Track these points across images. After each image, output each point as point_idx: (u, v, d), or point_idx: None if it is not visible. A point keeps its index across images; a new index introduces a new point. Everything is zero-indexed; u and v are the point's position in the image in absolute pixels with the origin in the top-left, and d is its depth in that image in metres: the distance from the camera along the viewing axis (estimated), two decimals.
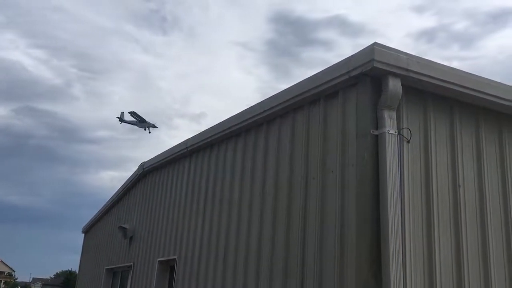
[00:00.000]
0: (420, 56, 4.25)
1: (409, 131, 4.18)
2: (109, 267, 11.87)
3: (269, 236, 5.10)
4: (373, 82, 4.11)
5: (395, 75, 4.01)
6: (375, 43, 4.02)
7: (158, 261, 8.14)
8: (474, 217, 4.36)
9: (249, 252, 5.44)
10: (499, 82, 4.57)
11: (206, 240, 6.51)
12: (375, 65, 3.91)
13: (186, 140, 7.62)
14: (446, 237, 4.16)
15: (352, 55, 4.22)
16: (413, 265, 3.93)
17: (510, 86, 4.61)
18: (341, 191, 4.21)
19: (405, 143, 4.15)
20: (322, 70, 4.61)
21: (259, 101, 5.68)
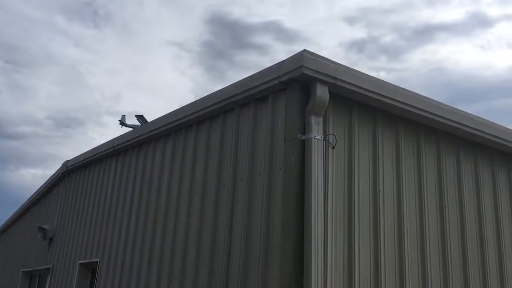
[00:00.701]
0: (348, 66, 4.42)
1: (334, 137, 4.32)
2: (26, 269, 11.27)
3: (196, 238, 5.07)
4: (302, 88, 4.21)
5: (323, 82, 4.13)
6: (305, 50, 4.12)
7: (79, 263, 7.84)
8: (392, 220, 4.57)
9: (174, 254, 5.38)
10: (418, 94, 4.84)
11: (131, 242, 6.36)
12: (304, 72, 4.01)
13: (113, 139, 7.42)
14: (365, 239, 4.33)
15: (283, 60, 4.30)
16: (334, 267, 4.05)
17: (428, 98, 4.89)
18: (268, 194, 4.27)
19: (330, 148, 4.28)
20: (254, 74, 4.67)
21: (190, 102, 5.65)
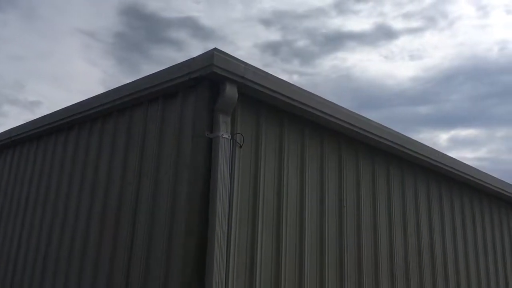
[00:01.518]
0: (260, 67, 4.50)
1: (242, 137, 4.38)
2: None
3: (96, 236, 4.89)
4: (211, 86, 4.22)
5: (232, 81, 4.17)
6: (215, 49, 4.14)
7: None
8: (294, 220, 4.72)
9: (72, 253, 5.14)
10: (324, 98, 5.03)
11: (25, 239, 5.99)
12: (214, 70, 4.02)
13: (10, 129, 6.93)
14: (268, 240, 4.44)
15: (193, 57, 4.28)
16: (236, 266, 4.10)
17: (332, 102, 5.10)
18: (173, 192, 4.23)
19: (237, 147, 4.33)
20: (164, 69, 4.60)
21: (97, 94, 5.44)
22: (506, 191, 7.51)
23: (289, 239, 4.62)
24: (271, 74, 4.57)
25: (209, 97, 4.23)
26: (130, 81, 4.93)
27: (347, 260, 5.11)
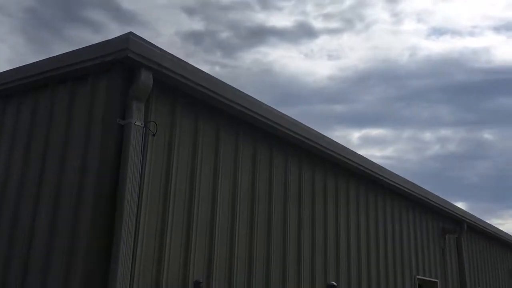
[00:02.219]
0: (177, 55, 4.40)
1: (155, 125, 4.26)
2: None
3: None
4: (125, 71, 4.07)
5: (148, 68, 4.05)
6: (131, 33, 3.99)
7: None
8: (206, 210, 4.70)
9: None
10: (240, 91, 5.04)
11: None
12: (128, 55, 3.87)
13: None
14: (178, 231, 4.38)
15: (107, 40, 4.10)
16: (144, 258, 4.01)
17: (249, 96, 5.13)
18: (81, 179, 4.04)
19: (150, 136, 4.22)
20: (75, 50, 4.35)
21: None
22: (403, 186, 8.02)
23: (200, 228, 4.59)
24: (188, 63, 4.49)
25: (123, 82, 4.07)
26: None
27: (257, 246, 5.19)
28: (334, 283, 3.55)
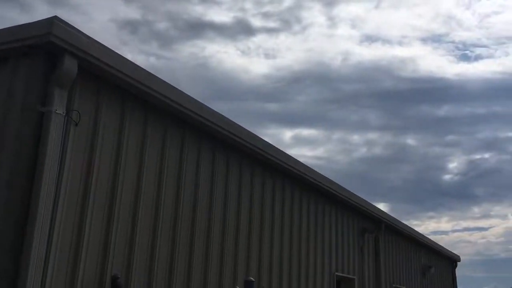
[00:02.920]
0: (105, 44, 4.29)
1: (78, 114, 4.13)
2: None
3: None
4: (48, 56, 3.92)
5: (72, 54, 3.92)
6: (55, 17, 3.84)
7: None
8: (128, 203, 4.62)
9: None
10: (169, 84, 5.00)
11: None
12: (51, 40, 3.73)
13: None
14: (98, 221, 4.28)
15: (30, 23, 3.92)
16: (59, 247, 3.89)
17: (177, 89, 5.10)
18: None
19: (72, 125, 4.09)
20: None
21: None
22: (327, 186, 8.31)
23: (122, 221, 4.51)
24: (115, 52, 4.39)
25: (45, 68, 3.92)
26: None
27: (179, 242, 5.18)
28: (251, 278, 3.62)
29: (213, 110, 5.61)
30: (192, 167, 5.54)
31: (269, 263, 6.77)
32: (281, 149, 6.94)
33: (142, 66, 4.68)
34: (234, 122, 5.94)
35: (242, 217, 6.31)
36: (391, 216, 11.38)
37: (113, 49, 4.36)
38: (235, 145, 6.17)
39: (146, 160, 4.88)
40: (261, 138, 6.48)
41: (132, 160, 4.73)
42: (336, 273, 8.73)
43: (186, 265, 5.28)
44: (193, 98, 5.30)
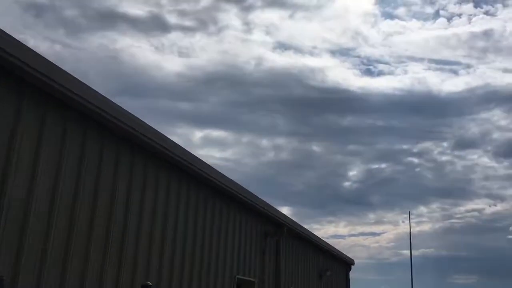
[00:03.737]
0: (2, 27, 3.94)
1: None
2: None
3: None
4: None
5: None
6: None
7: None
8: (20, 196, 4.27)
9: None
10: (70, 74, 4.70)
11: None
12: None
13: None
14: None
15: None
16: None
17: (79, 80, 4.81)
18: None
19: None
20: None
21: None
22: (230, 187, 8.33)
23: (11, 221, 4.16)
24: (11, 36, 4.04)
25: None
26: None
27: (75, 240, 4.89)
28: (149, 283, 3.49)
29: (117, 105, 5.37)
30: (94, 165, 5.25)
31: (170, 266, 6.62)
32: (189, 150, 6.83)
33: (46, 54, 4.37)
34: (138, 119, 5.73)
35: (144, 220, 6.11)
36: (293, 220, 11.68)
37: (11, 34, 4.01)
38: (139, 143, 5.95)
39: (42, 155, 4.54)
40: (167, 137, 6.32)
41: (27, 155, 4.38)
42: (237, 276, 8.76)
43: (80, 269, 4.98)
44: (97, 92, 5.04)
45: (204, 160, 7.27)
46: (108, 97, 5.21)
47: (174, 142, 6.45)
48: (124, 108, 5.48)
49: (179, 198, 6.96)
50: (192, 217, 7.28)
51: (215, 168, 7.63)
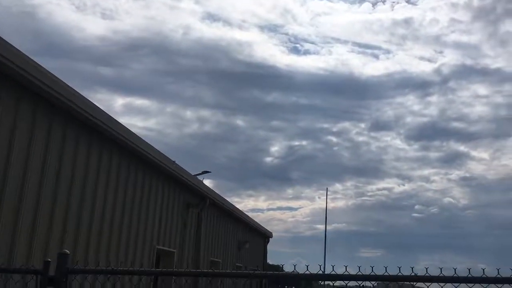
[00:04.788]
0: None
1: None
2: None
3: None
4: None
5: None
6: None
7: None
8: None
9: None
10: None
11: None
12: None
13: None
14: None
15: None
16: None
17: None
18: None
19: None
20: None
21: None
22: (154, 156, 8.13)
23: None
24: None
25: None
26: None
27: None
28: (66, 251, 3.30)
29: (33, 61, 4.96)
30: (7, 128, 4.86)
31: (88, 235, 6.36)
32: (112, 116, 6.52)
33: None
34: (58, 79, 5.35)
35: (61, 186, 5.78)
36: (216, 193, 11.69)
37: None
38: (59, 106, 5.58)
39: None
40: (89, 100, 5.98)
41: None
42: (157, 246, 8.64)
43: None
44: (11, 45, 4.62)
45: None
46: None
47: (96, 105, 6.12)
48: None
49: (100, 164, 6.66)
50: (112, 185, 7.02)
51: (138, 135, 7.37)
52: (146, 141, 7.60)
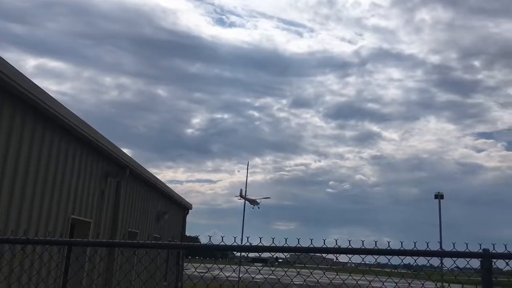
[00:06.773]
0: None
1: None
2: None
3: None
4: None
5: None
6: None
7: None
8: None
9: None
10: None
11: None
12: None
13: None
14: None
15: None
16: None
17: None
18: None
19: None
20: None
21: None
22: (71, 121, 7.78)
23: None
24: None
25: None
26: None
27: None
28: None
29: None
30: None
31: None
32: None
33: None
34: None
35: None
36: (136, 162, 11.44)
37: None
38: None
39: None
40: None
41: None
42: (72, 216, 8.35)
43: None
44: None
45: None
46: None
47: (9, 64, 5.71)
48: None
49: (12, 127, 6.26)
50: (25, 149, 6.64)
51: (54, 98, 6.98)
52: (59, 101, 7.19)
